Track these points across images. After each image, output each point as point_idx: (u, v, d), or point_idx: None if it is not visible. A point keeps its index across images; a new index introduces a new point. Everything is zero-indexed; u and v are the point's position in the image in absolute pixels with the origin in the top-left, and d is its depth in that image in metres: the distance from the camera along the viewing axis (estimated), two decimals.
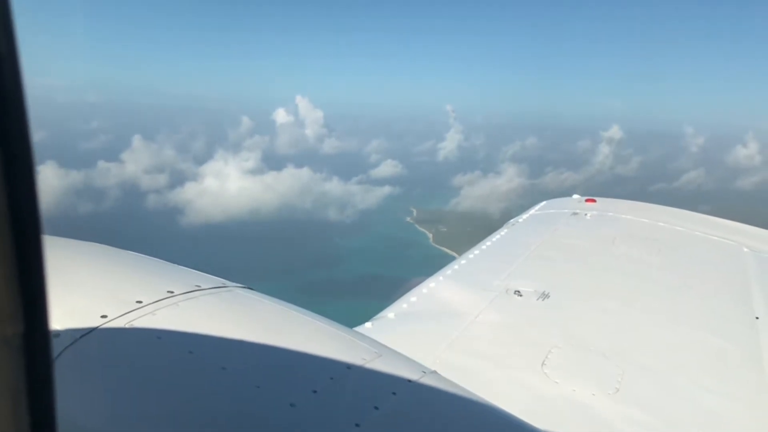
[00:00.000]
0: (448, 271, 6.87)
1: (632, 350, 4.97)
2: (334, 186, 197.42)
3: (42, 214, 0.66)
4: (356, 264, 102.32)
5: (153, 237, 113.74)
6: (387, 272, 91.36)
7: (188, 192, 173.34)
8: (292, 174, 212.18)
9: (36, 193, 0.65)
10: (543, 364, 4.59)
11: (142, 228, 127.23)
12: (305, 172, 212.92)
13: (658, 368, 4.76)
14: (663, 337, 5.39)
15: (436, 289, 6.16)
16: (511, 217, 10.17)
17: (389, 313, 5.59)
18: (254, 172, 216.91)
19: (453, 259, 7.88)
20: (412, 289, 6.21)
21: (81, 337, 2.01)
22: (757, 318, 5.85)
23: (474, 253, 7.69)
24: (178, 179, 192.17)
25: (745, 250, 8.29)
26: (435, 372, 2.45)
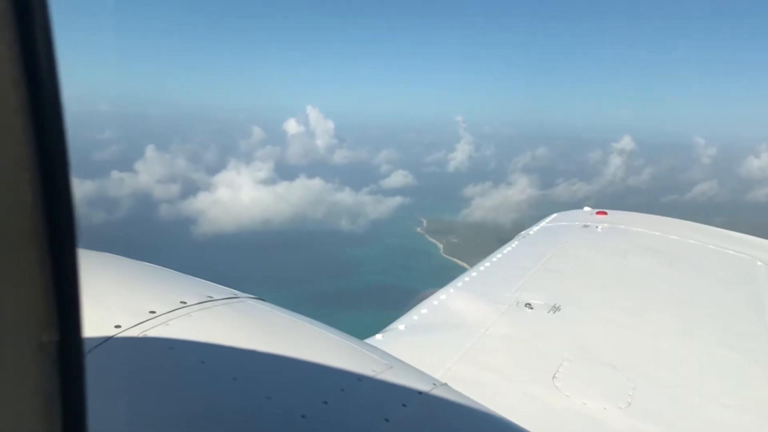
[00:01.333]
0: (459, 283, 6.87)
1: (644, 364, 4.94)
2: (346, 196, 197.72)
3: (78, 226, 0.69)
4: (367, 274, 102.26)
5: (166, 246, 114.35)
6: (398, 282, 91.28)
7: (201, 202, 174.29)
8: (305, 184, 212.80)
9: (72, 206, 0.68)
10: (554, 377, 4.57)
11: (155, 237, 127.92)
12: (317, 183, 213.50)
13: (670, 382, 4.73)
14: (675, 351, 5.35)
15: (446, 302, 6.15)
16: (523, 228, 10.17)
17: (400, 324, 5.59)
18: (267, 182, 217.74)
19: (464, 269, 7.87)
20: (422, 301, 6.22)
21: (96, 346, 2.04)
22: None
23: (485, 265, 7.68)
24: (191, 189, 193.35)
25: (759, 263, 8.21)
26: (446, 384, 2.45)
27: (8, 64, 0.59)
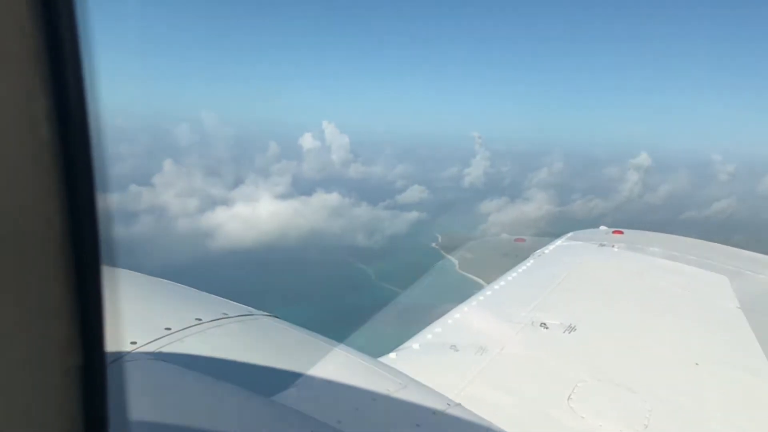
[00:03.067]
0: (474, 301, 6.84)
1: (661, 386, 4.88)
2: (363, 211, 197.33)
3: (103, 248, 0.71)
4: (382, 290, 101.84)
5: (183, 260, 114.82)
6: (412, 298, 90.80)
7: (219, 216, 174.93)
8: (322, 199, 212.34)
9: (98, 227, 0.71)
10: (569, 398, 4.52)
11: (173, 251, 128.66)
12: (335, 197, 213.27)
13: (687, 405, 4.66)
14: (692, 374, 5.28)
15: (461, 320, 6.13)
16: (539, 245, 10.13)
17: (414, 343, 5.57)
18: (284, 196, 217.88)
19: (479, 285, 7.84)
20: (437, 320, 6.19)
21: (111, 362, 2.06)
22: None
23: (499, 284, 7.65)
24: (209, 203, 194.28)
25: None
26: (459, 405, 2.45)
27: (41, 98, 0.61)
